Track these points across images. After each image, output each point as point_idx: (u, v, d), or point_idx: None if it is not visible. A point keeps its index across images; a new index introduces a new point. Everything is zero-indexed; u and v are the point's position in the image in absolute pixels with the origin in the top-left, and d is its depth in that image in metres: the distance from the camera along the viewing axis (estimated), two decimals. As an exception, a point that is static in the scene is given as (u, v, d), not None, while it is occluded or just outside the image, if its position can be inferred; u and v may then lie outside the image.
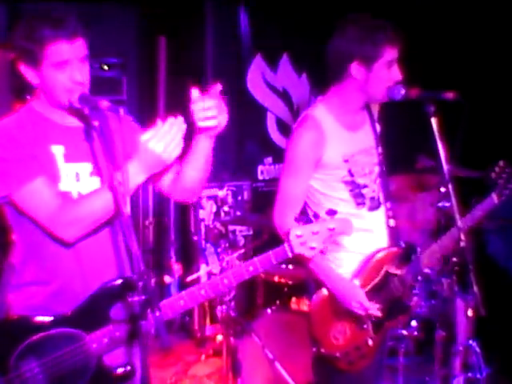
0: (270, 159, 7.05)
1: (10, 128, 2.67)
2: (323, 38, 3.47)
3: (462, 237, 3.16)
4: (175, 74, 6.70)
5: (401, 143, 5.67)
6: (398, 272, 3.45)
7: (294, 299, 4.88)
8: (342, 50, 3.31)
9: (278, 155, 7.04)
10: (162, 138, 2.53)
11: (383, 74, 3.29)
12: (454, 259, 3.97)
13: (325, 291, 3.39)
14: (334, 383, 3.48)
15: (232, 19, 6.80)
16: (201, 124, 2.69)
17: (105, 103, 2.53)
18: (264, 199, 6.71)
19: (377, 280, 3.41)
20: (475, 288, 3.30)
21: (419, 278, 4.11)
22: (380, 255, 3.45)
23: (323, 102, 3.41)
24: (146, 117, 6.75)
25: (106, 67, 6.02)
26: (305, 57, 6.95)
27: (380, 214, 3.51)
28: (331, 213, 2.83)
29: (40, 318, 2.67)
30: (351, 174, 3.40)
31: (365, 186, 3.44)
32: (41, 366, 2.62)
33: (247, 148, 7.01)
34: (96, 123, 2.52)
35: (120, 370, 2.72)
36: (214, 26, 6.74)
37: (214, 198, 6.17)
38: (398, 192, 4.82)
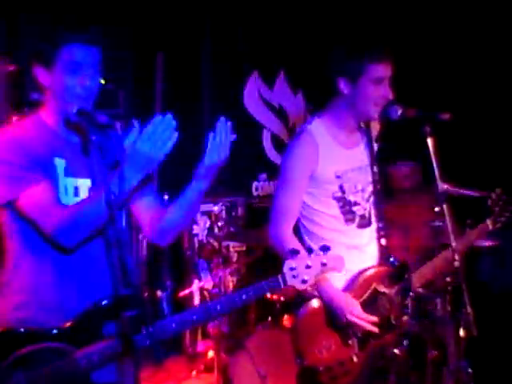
0: (264, 175, 7.06)
1: (17, 134, 2.69)
2: (319, 56, 3.52)
3: (456, 257, 3.18)
4: (172, 89, 6.72)
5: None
6: (387, 291, 3.49)
7: (286, 316, 4.86)
8: (331, 67, 3.40)
9: (273, 172, 7.05)
10: (148, 138, 2.52)
11: (370, 91, 3.33)
12: (448, 279, 3.98)
13: (314, 303, 3.40)
14: None
15: (229, 36, 6.83)
16: (208, 159, 2.73)
17: (103, 118, 2.55)
18: (258, 215, 6.72)
19: (365, 297, 3.45)
20: (468, 308, 3.32)
21: (409, 297, 4.14)
22: (369, 273, 3.49)
23: (319, 118, 3.47)
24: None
25: (102, 81, 6.03)
26: (301, 74, 6.99)
27: (369, 232, 3.55)
28: (325, 249, 2.88)
29: (29, 331, 2.65)
30: (342, 191, 3.45)
31: (356, 204, 3.48)
32: (28, 380, 2.60)
33: (242, 164, 7.02)
34: (94, 137, 2.53)
35: None
36: (212, 43, 6.77)
37: (207, 213, 6.17)
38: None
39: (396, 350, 4.59)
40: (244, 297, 2.82)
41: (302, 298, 3.46)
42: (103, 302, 2.68)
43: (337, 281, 3.41)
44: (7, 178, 2.63)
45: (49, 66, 2.66)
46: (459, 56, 6.10)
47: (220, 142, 2.74)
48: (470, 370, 4.20)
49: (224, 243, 6.02)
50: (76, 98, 2.66)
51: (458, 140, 3.12)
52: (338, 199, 3.45)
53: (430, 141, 3.15)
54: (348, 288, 3.46)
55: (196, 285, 5.68)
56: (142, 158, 2.54)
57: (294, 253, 2.85)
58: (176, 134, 2.54)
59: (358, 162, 3.51)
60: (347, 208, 3.46)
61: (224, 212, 5.92)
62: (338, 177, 3.43)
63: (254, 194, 7.00)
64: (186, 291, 5.58)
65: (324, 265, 2.87)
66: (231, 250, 6.41)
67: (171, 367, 5.70)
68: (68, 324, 2.67)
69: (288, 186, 3.40)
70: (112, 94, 6.11)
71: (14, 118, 2.87)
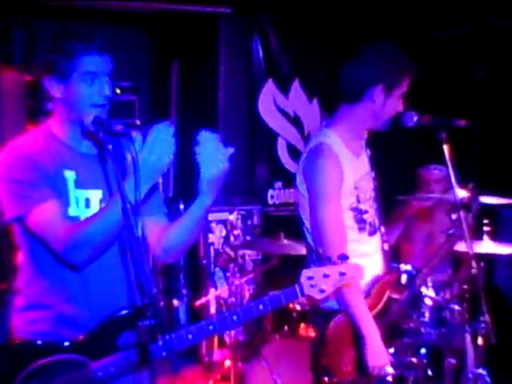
0: (280, 184, 7.05)
1: (26, 148, 2.69)
2: (334, 63, 3.51)
3: (473, 264, 3.16)
4: (188, 97, 6.73)
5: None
6: (397, 296, 3.51)
7: (302, 325, 4.85)
8: (366, 74, 3.35)
9: (288, 180, 7.04)
10: (151, 147, 2.54)
11: (396, 103, 3.36)
12: (465, 286, 3.95)
13: (340, 318, 3.36)
14: None
15: (245, 44, 6.84)
16: (206, 173, 2.70)
17: (119, 127, 2.55)
18: (274, 224, 6.71)
19: (380, 306, 3.45)
20: (486, 316, 3.30)
21: (425, 304, 4.14)
22: (383, 281, 3.49)
23: (332, 128, 3.44)
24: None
25: (118, 91, 6.05)
26: (316, 82, 6.98)
27: (376, 238, 3.55)
28: (343, 257, 2.85)
29: (46, 344, 2.66)
30: (358, 201, 3.44)
31: (366, 212, 3.48)
32: None
33: (258, 172, 7.02)
34: (110, 147, 2.54)
35: None
36: (227, 51, 6.78)
37: (223, 222, 6.16)
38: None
39: (413, 359, 4.59)
40: (261, 307, 2.81)
41: (323, 314, 3.43)
42: (118, 314, 2.68)
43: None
44: (16, 196, 2.63)
45: (63, 77, 2.65)
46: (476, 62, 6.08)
47: (211, 154, 2.70)
48: (488, 379, 4.18)
49: (240, 252, 6.01)
50: (94, 107, 2.66)
51: (477, 146, 3.09)
52: (353, 209, 3.43)
53: (446, 147, 3.14)
54: (364, 296, 3.43)
55: (212, 294, 5.66)
56: (149, 167, 2.55)
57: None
58: (173, 140, 2.58)
59: (364, 169, 3.52)
60: (359, 217, 3.45)
61: (240, 221, 5.93)
62: (355, 188, 3.42)
63: (270, 202, 6.99)
64: (203, 300, 5.56)
65: (342, 274, 2.84)
66: (247, 258, 6.41)
67: (188, 376, 5.68)
68: (83, 336, 2.67)
69: (333, 204, 3.32)
70: (127, 103, 6.13)
71: (28, 131, 2.84)
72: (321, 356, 3.41)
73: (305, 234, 3.48)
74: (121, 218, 2.50)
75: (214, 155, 2.71)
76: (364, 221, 3.47)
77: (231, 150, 2.74)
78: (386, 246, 3.58)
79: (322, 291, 2.82)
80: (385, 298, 3.45)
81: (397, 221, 4.49)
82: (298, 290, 2.82)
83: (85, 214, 2.73)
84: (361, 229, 3.46)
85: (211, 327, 2.73)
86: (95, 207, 2.75)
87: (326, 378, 3.38)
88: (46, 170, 2.66)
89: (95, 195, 2.76)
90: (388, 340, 3.43)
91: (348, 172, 3.37)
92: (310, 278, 2.81)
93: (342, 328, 3.36)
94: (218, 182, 2.75)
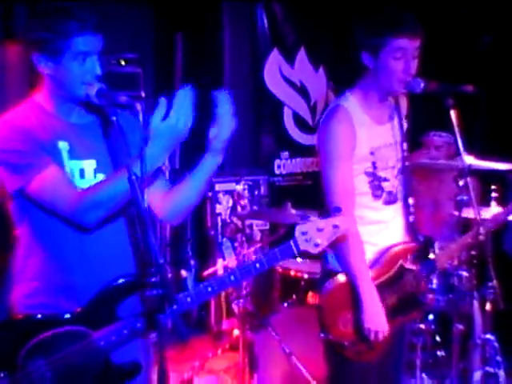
0: (286, 154, 7.04)
1: (18, 121, 2.66)
2: (340, 32, 3.49)
3: (481, 230, 3.16)
4: (192, 69, 6.70)
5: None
6: (414, 267, 3.46)
7: (310, 293, 4.86)
8: (354, 41, 3.37)
9: (295, 150, 7.04)
10: (175, 112, 2.53)
11: (391, 65, 3.30)
12: (473, 252, 3.96)
13: (340, 278, 3.37)
14: (344, 372, 3.45)
15: (249, 14, 6.80)
16: (219, 131, 2.72)
17: (123, 98, 2.53)
18: (281, 193, 6.71)
19: (391, 273, 3.41)
20: (494, 281, 3.30)
21: (435, 273, 4.14)
22: (396, 249, 3.45)
23: (353, 93, 3.43)
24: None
25: (123, 62, 6.03)
26: (322, 51, 6.94)
27: (395, 208, 3.50)
28: (336, 210, 2.85)
29: (46, 317, 2.66)
30: (374, 167, 3.41)
31: (385, 180, 3.44)
32: (48, 365, 2.62)
33: (264, 142, 7.01)
34: (114, 118, 2.53)
35: (127, 367, 2.73)
36: (231, 21, 6.74)
37: (230, 192, 6.17)
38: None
39: (422, 325, 4.61)
40: (258, 266, 2.80)
41: (327, 274, 3.44)
42: (116, 283, 2.68)
43: (365, 254, 3.37)
44: (16, 166, 2.61)
45: (54, 56, 2.61)
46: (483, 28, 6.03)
47: (227, 112, 2.72)
48: (496, 344, 4.20)
49: (247, 222, 6.02)
50: (84, 86, 2.63)
51: (486, 112, 3.08)
52: (368, 174, 3.41)
53: (453, 113, 3.13)
54: (375, 263, 3.42)
55: (220, 264, 5.69)
56: (171, 133, 2.53)
57: (304, 217, 2.82)
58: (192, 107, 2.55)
59: (389, 139, 3.48)
60: (376, 183, 3.42)
61: (247, 191, 5.91)
62: (371, 153, 3.39)
63: (277, 172, 6.99)
64: (210, 270, 5.58)
65: (336, 227, 2.83)
66: (255, 228, 6.42)
67: (196, 346, 5.72)
68: (83, 307, 2.67)
69: (343, 166, 3.32)
70: (132, 75, 6.11)
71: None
72: (318, 314, 3.41)
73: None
74: (126, 187, 2.48)
75: (227, 114, 2.71)
76: (381, 188, 3.44)
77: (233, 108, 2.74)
78: (411, 218, 3.55)
79: (317, 245, 2.81)
80: (396, 267, 3.42)
81: None
82: (293, 245, 2.81)
83: (80, 184, 2.71)
84: (376, 196, 3.43)
85: (209, 289, 2.73)
86: (90, 177, 2.73)
87: (322, 335, 3.39)
88: (40, 140, 2.64)
89: (89, 165, 2.74)
90: (400, 311, 3.42)
91: (363, 137, 3.35)
92: (304, 233, 2.80)
93: (340, 287, 3.36)
94: (226, 142, 2.76)
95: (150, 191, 2.79)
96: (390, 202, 3.48)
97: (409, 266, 3.46)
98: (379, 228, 3.44)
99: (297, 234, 2.80)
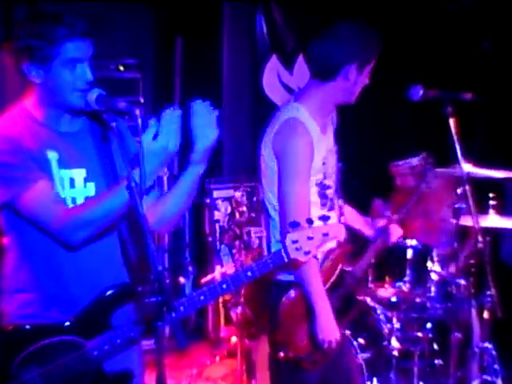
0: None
1: (7, 131, 2.63)
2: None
3: (479, 238, 3.16)
4: (191, 74, 6.70)
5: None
6: (350, 268, 3.55)
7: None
8: (340, 53, 3.35)
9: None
10: (163, 132, 2.54)
11: (365, 78, 3.40)
12: (471, 261, 3.96)
13: (291, 294, 3.39)
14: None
15: (248, 20, 6.80)
16: (200, 143, 2.71)
17: (122, 104, 2.52)
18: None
19: (332, 279, 3.46)
20: (492, 290, 3.30)
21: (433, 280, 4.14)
22: (334, 254, 3.48)
23: (302, 103, 3.42)
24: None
25: (122, 68, 6.03)
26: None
27: (335, 213, 3.56)
28: (324, 218, 2.87)
29: (38, 327, 2.65)
30: (325, 177, 3.46)
31: (329, 187, 3.50)
32: (42, 375, 2.61)
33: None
34: (114, 124, 2.52)
35: (120, 376, 2.73)
36: (231, 27, 6.74)
37: (229, 199, 6.17)
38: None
39: (419, 333, 4.61)
40: (249, 274, 2.80)
41: (276, 285, 3.45)
42: (109, 292, 2.68)
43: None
44: (3, 180, 2.58)
45: (43, 63, 2.59)
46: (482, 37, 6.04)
47: (205, 122, 2.70)
48: (494, 352, 4.19)
49: (245, 229, 6.01)
50: (77, 92, 2.61)
51: (482, 120, 3.09)
52: (318, 185, 3.45)
53: (451, 121, 3.13)
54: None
55: (218, 271, 5.68)
56: (162, 153, 2.55)
57: (295, 225, 2.82)
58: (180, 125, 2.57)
59: (330, 145, 3.54)
60: (323, 192, 3.48)
61: (245, 197, 5.91)
62: (323, 163, 3.44)
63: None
64: (209, 277, 5.58)
65: (325, 235, 2.84)
66: (253, 235, 6.40)
67: (194, 353, 5.72)
68: (76, 317, 2.66)
69: (301, 180, 3.33)
70: (131, 80, 6.11)
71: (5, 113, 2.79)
72: (276, 330, 3.42)
73: (265, 203, 3.50)
74: (125, 206, 2.52)
75: (207, 124, 2.70)
76: (326, 196, 3.50)
77: (217, 113, 2.73)
78: (342, 219, 3.62)
79: (307, 253, 2.81)
80: (337, 271, 3.47)
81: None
82: (283, 253, 2.80)
83: (70, 194, 2.69)
84: (323, 204, 3.48)
85: (202, 297, 2.72)
86: (80, 186, 2.72)
87: (281, 353, 3.40)
88: (30, 151, 2.61)
89: (79, 174, 2.72)
90: (342, 312, 3.48)
91: (318, 149, 3.38)
92: (295, 242, 2.80)
93: (296, 302, 3.38)
94: (210, 151, 2.74)
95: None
96: (332, 207, 3.54)
97: (346, 268, 3.54)
98: None
99: (287, 242, 2.80)
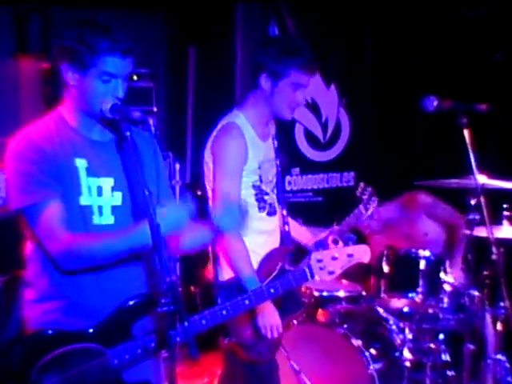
0: (297, 170, 7.03)
1: (36, 137, 2.67)
2: (353, 48, 3.49)
3: (494, 250, 3.14)
4: (205, 83, 6.72)
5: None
6: (292, 268, 3.67)
7: (320, 311, 4.86)
8: (257, 61, 3.64)
9: (306, 166, 7.02)
10: (174, 212, 2.60)
11: (287, 93, 3.58)
12: (485, 272, 3.94)
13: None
14: (245, 374, 3.66)
15: (261, 28, 6.81)
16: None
17: (136, 113, 2.54)
18: (291, 209, 6.69)
19: (274, 274, 3.61)
20: (506, 301, 3.28)
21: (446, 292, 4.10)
22: (274, 253, 3.70)
23: (241, 111, 3.67)
24: (174, 126, 6.84)
25: (135, 77, 6.05)
26: (334, 67, 6.93)
27: (275, 219, 3.79)
28: (350, 239, 2.90)
29: (60, 333, 2.66)
30: (260, 180, 3.67)
31: (266, 193, 3.72)
32: (61, 381, 2.61)
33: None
34: (128, 133, 2.53)
35: None
36: (243, 35, 6.75)
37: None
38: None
39: (432, 344, 4.59)
40: (272, 291, 2.88)
41: (220, 287, 3.63)
42: (131, 302, 2.69)
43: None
44: (20, 188, 2.62)
45: (81, 68, 2.63)
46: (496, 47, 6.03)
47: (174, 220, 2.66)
48: (507, 364, 4.17)
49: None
50: (103, 104, 2.64)
51: (496, 131, 3.08)
52: (254, 188, 3.66)
53: (466, 132, 3.13)
54: (260, 268, 3.63)
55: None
56: (173, 226, 2.59)
57: (321, 245, 2.87)
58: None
59: (269, 155, 3.76)
60: (260, 196, 3.68)
61: (257, 207, 5.91)
62: (259, 167, 3.65)
63: (287, 188, 6.98)
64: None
65: (350, 256, 2.91)
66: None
67: (206, 362, 5.69)
68: (98, 325, 2.67)
69: (230, 177, 3.53)
70: (144, 89, 6.12)
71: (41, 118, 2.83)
72: None
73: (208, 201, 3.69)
74: (129, 252, 2.58)
75: (177, 219, 2.65)
76: (264, 201, 3.71)
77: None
78: (286, 228, 3.83)
79: (331, 273, 2.90)
80: (278, 268, 3.63)
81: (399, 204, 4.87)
82: (307, 272, 2.87)
83: (97, 202, 2.72)
84: (260, 208, 3.69)
85: (224, 312, 2.78)
86: (107, 195, 2.74)
87: (225, 341, 3.60)
88: (55, 160, 2.64)
89: (107, 183, 2.75)
90: (283, 312, 3.59)
91: (253, 152, 3.60)
92: (320, 261, 2.87)
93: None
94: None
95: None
96: (272, 213, 3.75)
97: (288, 267, 3.68)
98: (264, 238, 3.69)
99: (312, 261, 2.84)
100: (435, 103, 3.29)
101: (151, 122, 2.55)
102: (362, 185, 4.05)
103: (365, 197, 3.99)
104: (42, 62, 5.66)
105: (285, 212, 3.86)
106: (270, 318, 3.49)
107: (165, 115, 6.60)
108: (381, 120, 6.97)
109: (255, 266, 3.61)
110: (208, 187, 3.67)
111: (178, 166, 6.14)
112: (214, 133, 3.63)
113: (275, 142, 3.86)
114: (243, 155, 3.56)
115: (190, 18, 6.64)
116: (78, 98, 2.70)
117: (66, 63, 2.65)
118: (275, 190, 3.81)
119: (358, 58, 6.79)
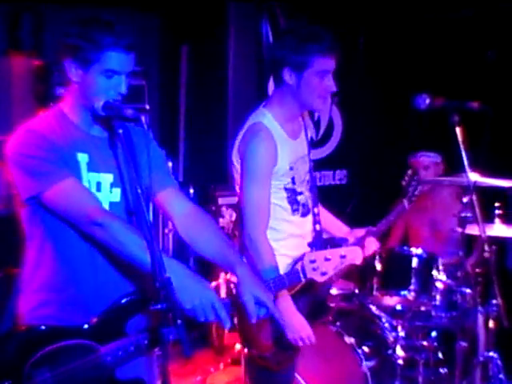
0: (290, 168, 7.03)
1: (40, 128, 2.68)
2: (346, 48, 3.49)
3: (486, 247, 3.15)
4: (197, 82, 6.72)
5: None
6: None
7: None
8: (276, 56, 3.42)
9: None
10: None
11: (314, 83, 3.37)
12: (477, 270, 3.95)
13: None
14: (264, 382, 3.58)
15: (254, 28, 6.81)
16: None
17: (129, 111, 2.54)
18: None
19: (303, 282, 3.45)
20: (498, 299, 3.29)
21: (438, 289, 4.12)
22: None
23: (268, 109, 3.47)
24: (167, 124, 6.84)
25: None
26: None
27: (309, 219, 3.59)
28: (342, 241, 2.91)
29: (53, 329, 2.66)
30: (293, 182, 3.49)
31: (300, 193, 3.53)
32: (54, 377, 2.61)
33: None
34: (120, 131, 2.53)
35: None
36: (236, 34, 6.76)
37: (233, 206, 6.16)
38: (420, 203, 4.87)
39: (424, 342, 4.60)
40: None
41: None
42: (125, 300, 2.70)
43: (280, 267, 3.37)
44: (36, 173, 2.61)
45: (84, 64, 2.63)
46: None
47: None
48: (499, 362, 4.18)
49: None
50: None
51: (488, 129, 3.08)
52: (287, 190, 3.48)
53: (458, 130, 3.13)
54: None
55: (222, 277, 5.67)
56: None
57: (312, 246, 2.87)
58: None
59: (301, 152, 3.56)
60: (293, 198, 3.50)
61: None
62: (291, 168, 3.47)
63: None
64: (213, 284, 5.56)
65: (343, 257, 2.91)
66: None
67: (199, 360, 5.71)
68: (92, 321, 2.67)
69: (259, 183, 3.36)
70: (137, 87, 6.11)
71: (40, 113, 2.83)
72: (243, 328, 3.48)
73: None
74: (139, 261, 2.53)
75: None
76: (298, 202, 3.52)
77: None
78: (318, 227, 3.62)
79: (324, 274, 2.90)
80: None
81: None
82: (300, 272, 2.88)
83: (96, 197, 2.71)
84: (294, 210, 3.51)
85: None
86: (106, 191, 2.75)
87: (246, 350, 3.53)
88: (60, 150, 2.65)
89: (106, 179, 2.76)
90: (311, 318, 3.48)
91: (283, 153, 3.41)
92: (313, 262, 2.88)
93: None
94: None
95: (164, 201, 2.89)
96: (306, 213, 3.56)
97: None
98: (298, 242, 3.51)
99: (305, 261, 2.85)
100: (427, 101, 3.29)
101: (143, 119, 2.55)
102: (409, 172, 3.81)
103: (411, 188, 3.78)
104: (33, 59, 5.65)
105: (316, 210, 3.64)
106: (299, 328, 3.35)
107: (157, 113, 6.60)
108: (373, 118, 6.99)
109: (286, 268, 3.41)
110: (237, 190, 3.51)
111: (170, 164, 6.14)
112: (241, 134, 3.45)
113: (308, 133, 3.67)
114: (273, 158, 3.38)
115: (182, 17, 6.64)
116: (81, 95, 2.70)
117: (70, 59, 2.66)
118: (309, 187, 3.61)
119: (351, 57, 6.81)
